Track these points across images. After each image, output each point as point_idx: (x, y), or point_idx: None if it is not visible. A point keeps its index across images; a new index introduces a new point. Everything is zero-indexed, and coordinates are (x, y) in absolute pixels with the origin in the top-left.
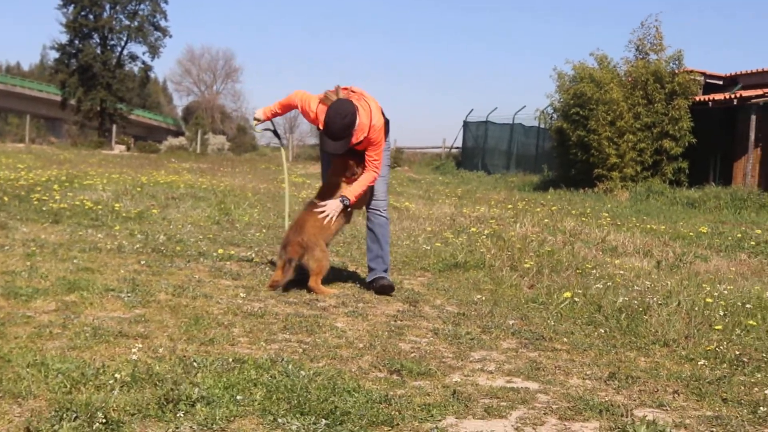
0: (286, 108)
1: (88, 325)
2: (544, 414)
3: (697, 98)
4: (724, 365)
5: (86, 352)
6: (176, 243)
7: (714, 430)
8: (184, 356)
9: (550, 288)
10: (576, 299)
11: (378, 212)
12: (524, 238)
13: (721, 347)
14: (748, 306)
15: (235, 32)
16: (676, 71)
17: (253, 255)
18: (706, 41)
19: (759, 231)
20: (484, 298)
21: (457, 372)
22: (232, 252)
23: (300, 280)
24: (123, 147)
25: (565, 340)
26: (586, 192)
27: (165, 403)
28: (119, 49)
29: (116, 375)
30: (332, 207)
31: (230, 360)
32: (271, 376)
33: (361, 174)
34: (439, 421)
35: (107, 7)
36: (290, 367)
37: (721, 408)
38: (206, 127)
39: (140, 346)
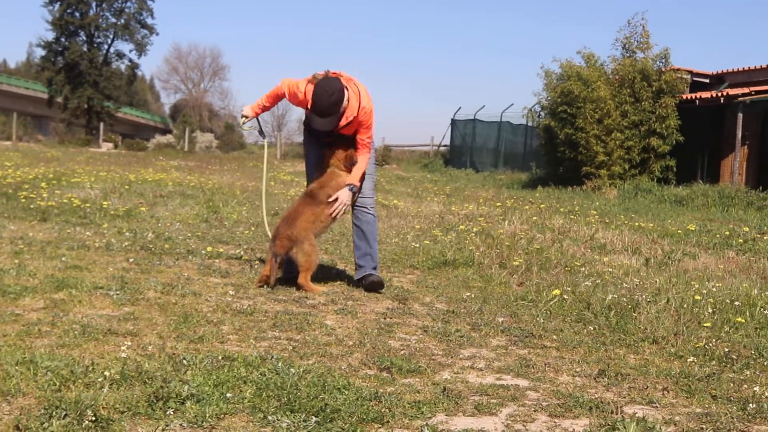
0: (275, 99)
1: (76, 323)
2: (534, 411)
3: (684, 96)
4: (713, 362)
5: (75, 350)
6: (165, 241)
7: (703, 426)
8: (174, 354)
9: (539, 285)
10: (565, 297)
11: (365, 210)
12: (513, 235)
13: (710, 344)
14: (736, 303)
15: (222, 30)
16: (663, 69)
17: (242, 253)
18: (692, 39)
19: (747, 228)
20: (473, 296)
21: (446, 369)
22: (221, 250)
23: (289, 278)
24: (110, 145)
25: (554, 337)
26: (574, 190)
27: (155, 401)
28: (106, 46)
29: (105, 373)
30: (344, 198)
31: (220, 357)
32: (260, 374)
33: (357, 156)
34: (429, 418)
35: (93, 4)
36: (280, 364)
37: (710, 405)
38: (194, 125)
39: (129, 343)
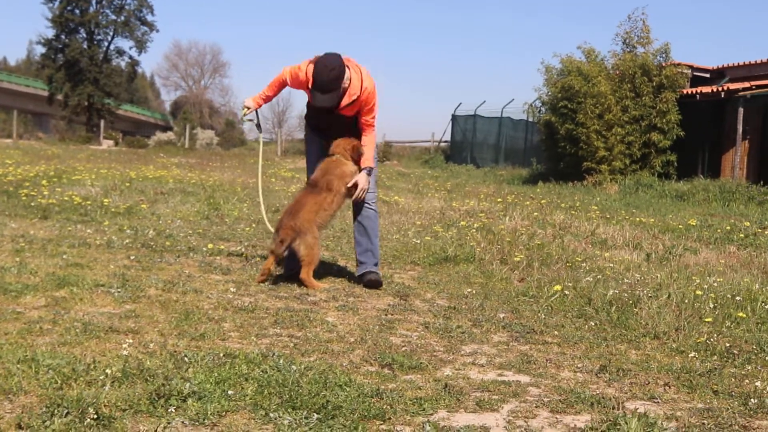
0: (278, 86)
1: (78, 320)
2: (536, 407)
3: (685, 91)
4: (715, 357)
5: (77, 347)
6: (166, 238)
7: (705, 422)
8: (175, 351)
9: (541, 281)
10: (566, 292)
11: (367, 205)
12: (514, 231)
13: (712, 339)
14: (737, 298)
15: (222, 27)
16: (664, 64)
17: (243, 250)
18: (693, 34)
19: (748, 223)
20: (474, 292)
21: (448, 366)
22: (222, 247)
23: (290, 275)
24: (111, 142)
25: (555, 333)
26: (575, 185)
27: (156, 399)
28: (106, 43)
29: (107, 370)
30: (363, 182)
31: (221, 355)
32: (262, 371)
33: (363, 137)
34: (431, 414)
35: (93, 1)
36: (281, 361)
37: (712, 400)
38: (194, 122)
39: (131, 341)
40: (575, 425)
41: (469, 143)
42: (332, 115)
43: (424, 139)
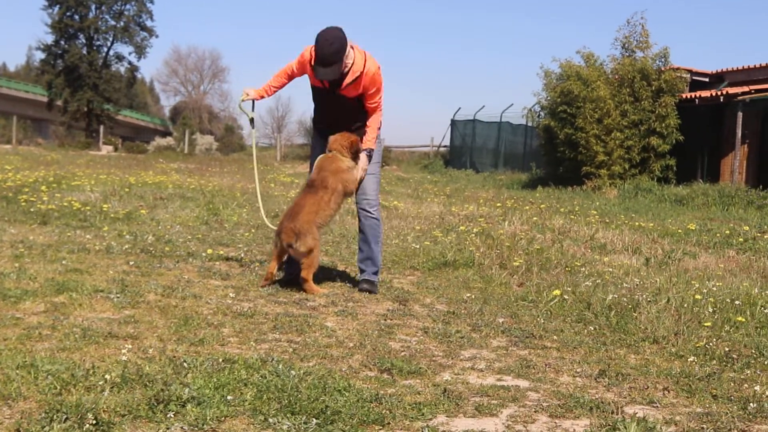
0: (283, 77)
1: (77, 326)
2: (535, 412)
3: (684, 95)
4: (714, 362)
5: (76, 353)
6: (165, 243)
7: (704, 426)
8: (174, 357)
9: (540, 286)
10: (565, 297)
11: (369, 214)
12: (513, 236)
13: (711, 344)
14: (737, 302)
15: (221, 32)
16: (663, 68)
17: (243, 255)
18: (692, 38)
19: (747, 227)
20: (473, 297)
21: (447, 370)
22: (221, 252)
23: (290, 280)
24: (110, 147)
25: (554, 337)
26: (574, 190)
27: (155, 404)
28: (105, 49)
29: (106, 376)
30: (363, 162)
31: (220, 360)
32: (261, 376)
33: (369, 119)
34: (430, 419)
35: (93, 7)
36: (280, 366)
37: (711, 404)
38: (194, 127)
39: (130, 347)
40: (574, 430)
41: (469, 148)
42: (337, 101)
43: (424, 144)
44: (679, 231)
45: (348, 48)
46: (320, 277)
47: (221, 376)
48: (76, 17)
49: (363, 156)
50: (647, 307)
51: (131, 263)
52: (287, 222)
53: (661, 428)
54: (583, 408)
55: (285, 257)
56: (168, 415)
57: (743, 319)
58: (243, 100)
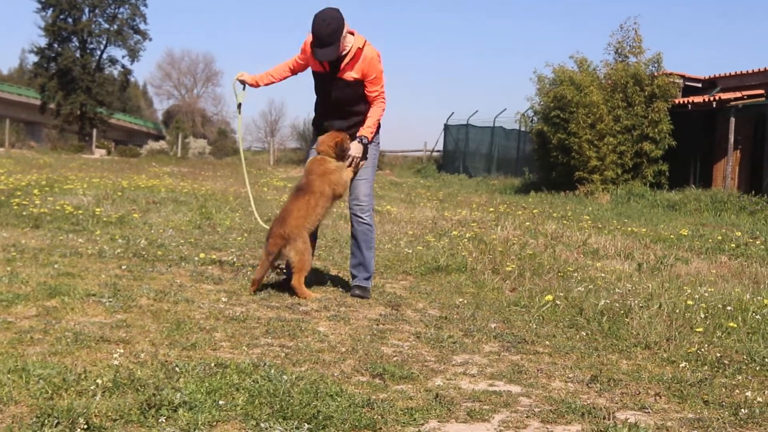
0: (284, 71)
1: (69, 330)
2: (527, 417)
3: (677, 101)
4: (706, 367)
5: (67, 357)
6: (157, 247)
7: None
8: (166, 361)
9: (532, 291)
10: (558, 302)
11: (361, 219)
12: (506, 241)
13: (702, 349)
14: (728, 308)
15: (215, 35)
16: (656, 74)
17: (235, 259)
18: (685, 44)
19: (739, 233)
20: (466, 302)
21: (439, 376)
22: (214, 256)
23: (281, 283)
24: (103, 151)
25: (547, 343)
26: (567, 195)
27: (147, 409)
28: (99, 52)
29: (98, 380)
30: (356, 151)
31: (212, 365)
32: (253, 381)
33: (371, 109)
34: (422, 425)
35: (86, 10)
36: (272, 371)
37: (702, 410)
38: (187, 131)
39: (122, 351)
40: None
41: (462, 153)
42: (337, 88)
43: (417, 148)
44: (672, 236)
45: (346, 31)
46: (312, 282)
47: (213, 381)
48: (70, 20)
49: (355, 143)
50: (639, 313)
51: (123, 267)
52: (277, 228)
53: None
54: (575, 413)
55: (275, 262)
56: (159, 420)
57: (735, 325)
58: (236, 80)
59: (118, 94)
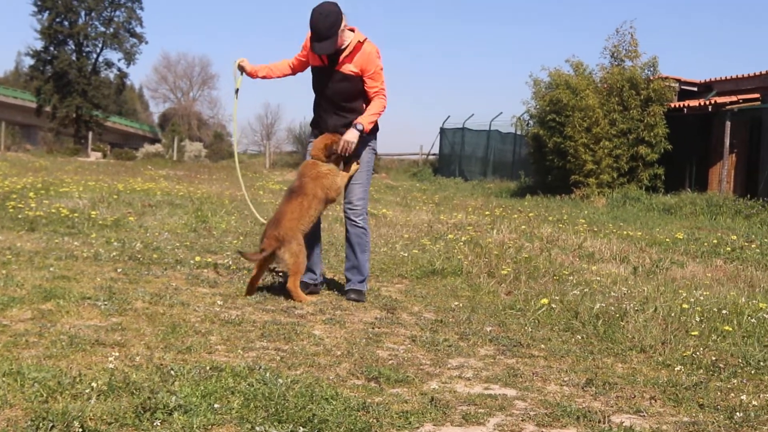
0: (284, 68)
1: (64, 333)
2: (522, 421)
3: (672, 105)
4: (701, 371)
5: (62, 360)
6: (153, 251)
7: None
8: (161, 364)
9: (528, 294)
10: (553, 306)
11: (354, 223)
12: (501, 244)
13: (698, 353)
14: (724, 312)
15: (211, 39)
16: (651, 78)
17: (231, 262)
18: (680, 48)
19: (734, 237)
20: (461, 305)
21: (434, 379)
22: (209, 259)
23: (277, 286)
24: (99, 154)
25: (542, 346)
26: (563, 198)
27: (142, 412)
28: (95, 55)
29: (93, 384)
30: (350, 137)
31: (208, 368)
32: (248, 384)
33: (371, 102)
34: (417, 428)
35: (82, 13)
36: (268, 374)
37: (697, 414)
38: (183, 134)
39: (117, 354)
40: None
41: (458, 156)
42: (335, 83)
43: (413, 151)
44: (667, 240)
45: (344, 24)
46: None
47: (208, 384)
48: (66, 23)
49: (352, 130)
50: (635, 316)
51: (119, 270)
52: (271, 230)
53: None
54: (570, 417)
55: (270, 264)
56: (155, 424)
57: (730, 329)
58: (237, 64)
59: (114, 97)
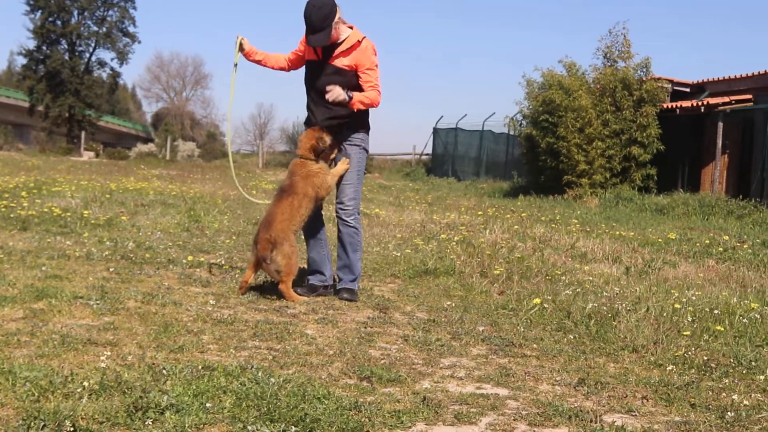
0: (280, 60)
1: (56, 332)
2: (514, 420)
3: (665, 105)
4: (693, 371)
5: (54, 359)
6: (145, 250)
7: None
8: (153, 364)
9: (520, 294)
10: (545, 305)
11: (346, 223)
12: (494, 244)
13: (690, 353)
14: (715, 312)
15: (204, 38)
16: (644, 78)
17: (223, 262)
18: (673, 49)
19: (726, 237)
20: (454, 305)
21: (427, 378)
22: (202, 259)
23: (270, 286)
24: (92, 153)
25: (534, 346)
26: (555, 198)
27: (134, 411)
28: (87, 55)
29: (85, 383)
30: (337, 91)
31: (200, 367)
32: (240, 384)
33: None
34: (409, 427)
35: (75, 13)
36: (260, 374)
37: (689, 413)
38: (176, 134)
39: (109, 353)
40: None
41: (451, 156)
42: (327, 76)
43: (406, 151)
44: (660, 240)
45: (338, 17)
46: (300, 284)
47: (200, 384)
48: (59, 23)
49: (337, 87)
50: (627, 316)
51: (111, 270)
52: (263, 232)
53: None
54: (562, 416)
55: (261, 266)
56: (146, 423)
57: (722, 329)
58: (239, 41)
59: (107, 96)
